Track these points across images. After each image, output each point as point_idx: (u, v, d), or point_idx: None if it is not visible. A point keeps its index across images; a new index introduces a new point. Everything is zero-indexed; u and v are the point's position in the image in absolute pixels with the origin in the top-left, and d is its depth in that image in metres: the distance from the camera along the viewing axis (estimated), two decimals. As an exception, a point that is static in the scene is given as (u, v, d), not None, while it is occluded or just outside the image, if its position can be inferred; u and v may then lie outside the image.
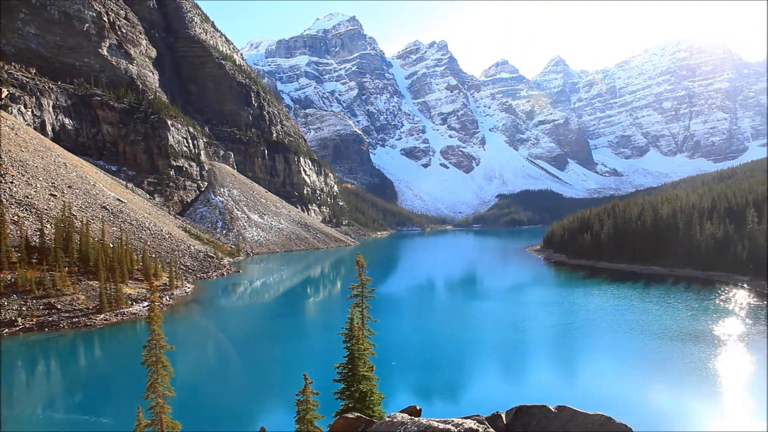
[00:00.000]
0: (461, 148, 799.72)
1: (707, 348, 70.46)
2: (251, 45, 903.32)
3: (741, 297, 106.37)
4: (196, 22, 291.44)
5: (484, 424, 21.62)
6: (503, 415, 25.14)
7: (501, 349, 75.88)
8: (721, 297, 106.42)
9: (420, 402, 51.59)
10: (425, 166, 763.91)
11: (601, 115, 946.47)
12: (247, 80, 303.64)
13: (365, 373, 29.82)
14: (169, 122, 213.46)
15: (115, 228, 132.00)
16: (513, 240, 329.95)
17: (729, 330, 79.15)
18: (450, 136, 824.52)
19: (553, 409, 24.19)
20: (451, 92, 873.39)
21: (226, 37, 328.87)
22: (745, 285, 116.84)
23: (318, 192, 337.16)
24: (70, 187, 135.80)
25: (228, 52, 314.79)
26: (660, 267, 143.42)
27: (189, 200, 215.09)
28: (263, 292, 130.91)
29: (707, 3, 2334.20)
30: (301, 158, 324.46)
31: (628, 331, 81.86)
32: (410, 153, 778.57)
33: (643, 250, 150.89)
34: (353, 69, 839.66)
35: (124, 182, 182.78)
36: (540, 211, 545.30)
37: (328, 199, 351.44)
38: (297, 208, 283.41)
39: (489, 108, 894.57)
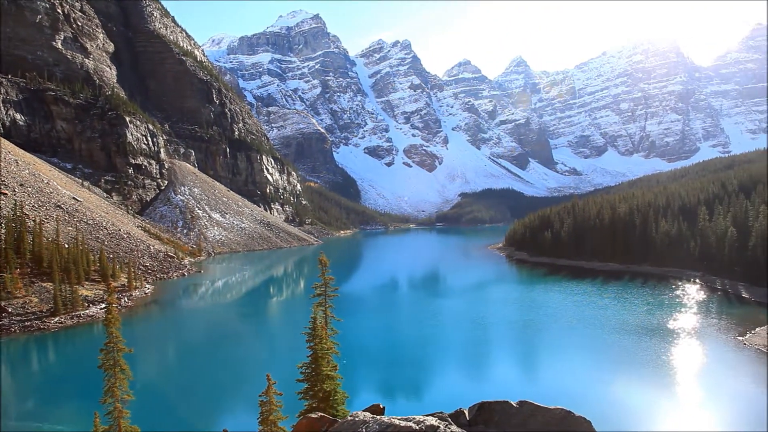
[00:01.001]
0: (424, 147, 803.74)
1: (662, 341, 72.80)
2: (213, 41, 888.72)
3: (693, 292, 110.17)
4: (155, 17, 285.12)
5: (446, 420, 21.86)
6: (466, 412, 25.47)
7: (464, 346, 76.76)
8: (675, 292, 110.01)
9: (384, 400, 51.81)
10: (388, 165, 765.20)
11: (561, 115, 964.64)
12: (209, 77, 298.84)
13: (329, 373, 29.80)
14: (128, 119, 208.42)
15: (70, 228, 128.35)
16: (475, 238, 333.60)
17: (682, 324, 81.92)
18: (413, 135, 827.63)
19: (514, 404, 24.64)
20: (415, 91, 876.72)
21: (186, 33, 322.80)
22: (697, 280, 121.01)
23: (281, 191, 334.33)
24: (21, 185, 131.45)
25: (189, 48, 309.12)
26: (618, 264, 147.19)
27: (148, 199, 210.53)
28: (225, 292, 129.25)
29: (660, 7, 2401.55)
30: (264, 157, 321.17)
31: (587, 327, 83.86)
32: (373, 152, 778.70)
33: (602, 248, 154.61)
34: (317, 67, 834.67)
35: (80, 180, 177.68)
36: (502, 209, 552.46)
37: (291, 198, 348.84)
38: (259, 207, 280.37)
39: (452, 107, 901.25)
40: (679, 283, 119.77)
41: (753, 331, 74.41)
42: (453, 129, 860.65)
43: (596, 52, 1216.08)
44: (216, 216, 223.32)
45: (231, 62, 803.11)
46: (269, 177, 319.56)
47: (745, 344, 69.25)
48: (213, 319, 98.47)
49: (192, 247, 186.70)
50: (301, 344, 30.89)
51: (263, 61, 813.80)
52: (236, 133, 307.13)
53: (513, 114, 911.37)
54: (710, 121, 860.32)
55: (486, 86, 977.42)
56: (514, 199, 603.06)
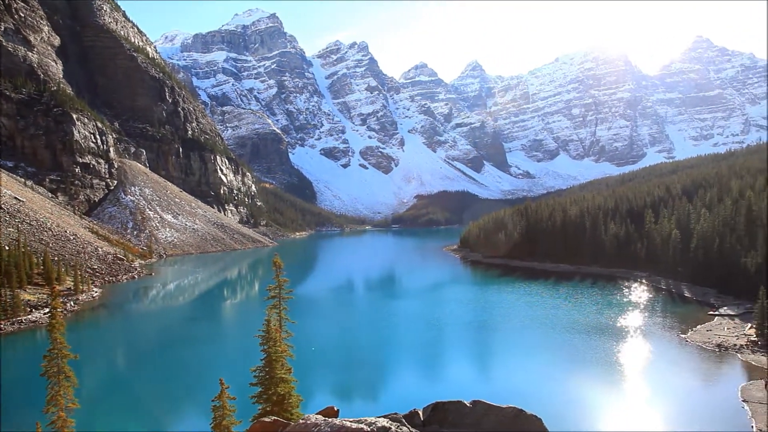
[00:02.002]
0: (380, 149, 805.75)
1: (611, 340, 75.06)
2: (166, 38, 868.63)
3: (640, 292, 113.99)
4: (105, 11, 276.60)
5: (398, 422, 21.96)
6: (420, 412, 25.66)
7: (419, 347, 77.29)
8: (623, 292, 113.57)
9: (340, 402, 51.64)
10: (345, 166, 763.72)
11: (515, 119, 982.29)
12: (161, 74, 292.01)
13: (283, 376, 29.53)
14: (75, 116, 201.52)
15: (11, 229, 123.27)
16: (431, 240, 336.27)
17: (629, 322, 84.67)
18: (369, 137, 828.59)
19: (468, 404, 24.99)
20: (371, 93, 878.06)
21: (138, 28, 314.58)
22: (643, 280, 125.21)
23: (235, 192, 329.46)
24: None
25: (140, 44, 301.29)
26: (569, 265, 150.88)
27: (97, 199, 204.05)
28: (177, 296, 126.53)
29: (609, 15, 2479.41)
30: (218, 157, 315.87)
31: (539, 326, 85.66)
32: (330, 153, 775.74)
33: (554, 249, 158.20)
34: (273, 67, 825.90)
35: (23, 179, 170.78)
36: (457, 211, 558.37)
37: (246, 199, 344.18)
38: (213, 208, 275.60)
39: (408, 110, 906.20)
40: (627, 284, 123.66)
41: (694, 329, 77.55)
42: (409, 131, 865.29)
43: (549, 58, 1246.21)
44: (168, 217, 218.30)
45: (185, 60, 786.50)
46: (223, 178, 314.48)
47: (687, 341, 72.06)
48: (164, 323, 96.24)
49: (143, 249, 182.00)
50: (255, 347, 30.51)
51: (218, 59, 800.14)
52: (189, 132, 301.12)
53: (468, 117, 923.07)
54: (656, 128, 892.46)
55: (442, 89, 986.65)
56: (468, 201, 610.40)
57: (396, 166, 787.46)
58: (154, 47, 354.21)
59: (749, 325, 75.73)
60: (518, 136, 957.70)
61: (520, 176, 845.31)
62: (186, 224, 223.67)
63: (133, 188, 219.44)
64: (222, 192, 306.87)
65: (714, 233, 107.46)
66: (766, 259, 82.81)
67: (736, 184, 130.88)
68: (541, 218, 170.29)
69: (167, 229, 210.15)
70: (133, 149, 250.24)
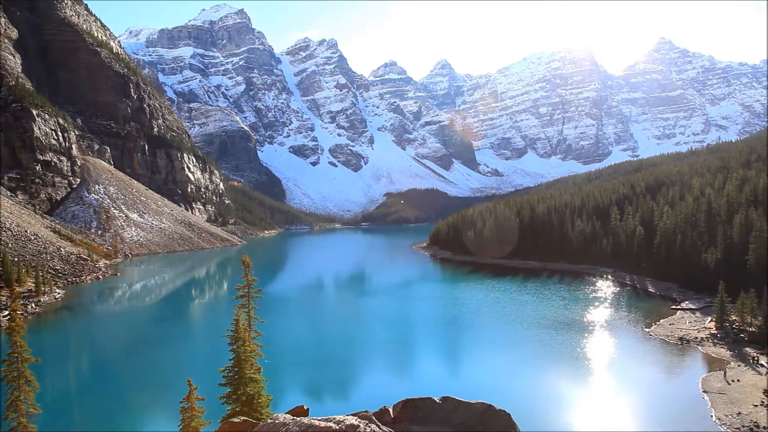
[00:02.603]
0: (350, 147, 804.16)
1: (578, 334, 76.45)
2: (130, 33, 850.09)
3: (605, 287, 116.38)
4: (66, 4, 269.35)
5: (367, 419, 22.01)
6: (390, 409, 25.78)
7: (389, 344, 77.49)
8: (590, 288, 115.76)
9: (310, 401, 51.49)
10: (314, 164, 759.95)
11: (483, 117, 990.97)
12: (126, 70, 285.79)
13: (252, 375, 29.27)
14: (35, 112, 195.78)
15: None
16: (400, 238, 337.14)
17: (596, 317, 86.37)
18: (339, 135, 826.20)
19: (437, 400, 25.25)
20: (341, 91, 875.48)
21: (101, 22, 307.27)
22: (609, 276, 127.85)
23: (203, 190, 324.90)
24: None
25: (104, 38, 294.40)
26: (537, 261, 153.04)
27: (59, 198, 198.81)
28: (144, 296, 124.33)
29: (575, 14, 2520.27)
30: (185, 154, 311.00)
31: (508, 322, 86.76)
32: (299, 151, 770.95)
33: (522, 246, 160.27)
34: (241, 63, 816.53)
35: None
36: (426, 209, 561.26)
37: (214, 198, 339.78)
38: (180, 206, 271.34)
39: (377, 108, 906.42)
40: (593, 279, 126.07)
41: (657, 323, 79.57)
42: (379, 129, 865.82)
43: (517, 57, 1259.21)
44: (134, 216, 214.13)
45: (150, 55, 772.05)
46: (190, 176, 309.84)
47: (651, 335, 73.88)
48: (131, 324, 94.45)
49: (107, 248, 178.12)
50: (224, 347, 30.15)
51: (185, 55, 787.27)
52: (155, 129, 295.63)
53: (438, 116, 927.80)
54: (621, 127, 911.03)
55: (411, 87, 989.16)
56: (438, 199, 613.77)
57: (365, 164, 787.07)
58: (118, 42, 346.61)
59: (709, 318, 77.98)
60: (487, 134, 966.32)
61: (489, 174, 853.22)
62: (152, 223, 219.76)
63: (97, 186, 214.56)
64: (189, 190, 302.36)
65: (676, 230, 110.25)
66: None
67: (697, 182, 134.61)
68: (510, 215, 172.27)
69: (133, 228, 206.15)
70: (96, 146, 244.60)
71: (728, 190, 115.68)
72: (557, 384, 58.43)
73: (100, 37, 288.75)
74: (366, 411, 25.27)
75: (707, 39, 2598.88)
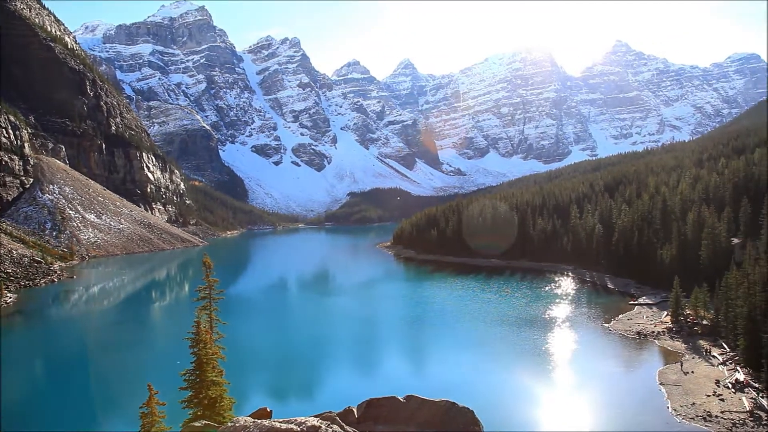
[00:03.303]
0: (313, 146, 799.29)
1: (540, 331, 77.77)
2: (86, 28, 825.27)
3: (566, 284, 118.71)
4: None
5: (330, 420, 21.91)
6: (354, 410, 25.71)
7: (354, 344, 77.45)
8: (551, 285, 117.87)
9: (275, 402, 51.03)
10: (277, 163, 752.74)
11: (446, 117, 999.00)
12: (82, 66, 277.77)
13: (214, 378, 28.80)
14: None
15: None
16: (364, 237, 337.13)
17: (557, 314, 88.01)
18: (302, 134, 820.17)
19: (401, 399, 25.30)
20: (303, 90, 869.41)
21: (55, 17, 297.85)
22: (569, 273, 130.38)
23: (163, 190, 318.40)
24: None
25: (58, 33, 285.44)
26: (499, 260, 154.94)
27: (10, 198, 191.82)
28: (102, 299, 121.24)
29: (536, 15, 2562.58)
30: (144, 154, 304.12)
31: (471, 320, 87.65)
32: (261, 150, 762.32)
33: (484, 244, 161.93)
34: (202, 61, 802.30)
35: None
36: (390, 208, 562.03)
37: (174, 198, 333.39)
38: (140, 207, 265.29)
39: (341, 107, 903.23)
40: (554, 277, 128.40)
41: (616, 318, 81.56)
42: (342, 128, 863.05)
43: (479, 57, 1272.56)
44: (91, 217, 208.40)
45: (107, 52, 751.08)
46: (150, 175, 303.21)
47: (610, 330, 75.69)
48: (88, 328, 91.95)
49: (63, 250, 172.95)
50: (185, 350, 29.58)
51: (144, 52, 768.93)
52: (113, 128, 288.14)
53: (401, 115, 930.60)
54: (580, 127, 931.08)
55: (374, 87, 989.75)
56: (402, 198, 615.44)
57: (329, 163, 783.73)
58: (74, 38, 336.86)
59: (665, 313, 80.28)
60: (449, 134, 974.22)
61: (452, 173, 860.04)
62: (110, 224, 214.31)
63: (51, 186, 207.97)
64: (149, 190, 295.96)
65: (633, 227, 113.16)
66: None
67: (653, 181, 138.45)
68: (473, 214, 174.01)
69: (90, 230, 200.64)
70: (51, 145, 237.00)
71: (682, 188, 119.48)
72: (520, 380, 59.35)
73: (54, 32, 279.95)
74: (330, 412, 25.14)
75: (661, 42, 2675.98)
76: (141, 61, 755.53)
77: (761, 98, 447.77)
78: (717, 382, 53.03)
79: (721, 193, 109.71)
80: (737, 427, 43.90)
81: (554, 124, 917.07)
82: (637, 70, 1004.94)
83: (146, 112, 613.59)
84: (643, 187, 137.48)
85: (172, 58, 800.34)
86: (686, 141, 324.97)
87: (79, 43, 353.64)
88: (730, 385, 51.84)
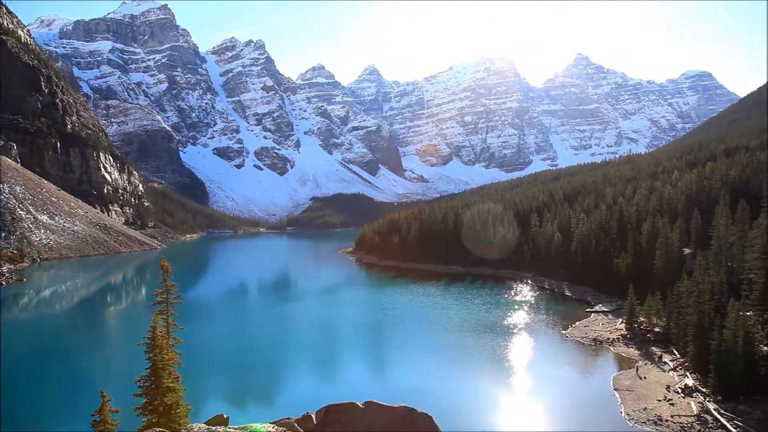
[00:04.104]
0: (276, 150, 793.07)
1: (499, 337, 78.64)
2: (42, 22, 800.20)
3: (525, 291, 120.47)
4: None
5: (287, 426, 21.73)
6: (313, 416, 25.51)
7: (314, 350, 76.92)
8: (510, 292, 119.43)
9: (233, 409, 50.22)
10: (239, 166, 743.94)
11: (410, 124, 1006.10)
12: (36, 62, 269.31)
13: (170, 384, 28.13)
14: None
15: None
16: (326, 242, 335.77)
17: (516, 320, 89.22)
18: (265, 138, 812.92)
19: (360, 405, 25.22)
20: (267, 93, 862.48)
21: (7, 9, 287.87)
22: (529, 281, 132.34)
23: (120, 191, 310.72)
24: None
25: (11, 26, 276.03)
26: (460, 266, 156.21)
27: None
28: (53, 303, 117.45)
29: (501, 25, 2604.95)
30: (101, 154, 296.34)
31: (431, 326, 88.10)
32: (223, 153, 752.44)
33: (446, 251, 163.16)
34: (163, 61, 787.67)
35: None
36: (352, 214, 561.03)
37: (132, 199, 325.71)
38: (96, 208, 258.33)
39: (304, 111, 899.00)
40: (514, 284, 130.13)
41: (573, 325, 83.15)
42: (305, 133, 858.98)
43: (444, 66, 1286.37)
44: (43, 218, 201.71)
45: (64, 48, 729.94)
46: (107, 176, 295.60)
47: (567, 337, 77.11)
48: (38, 332, 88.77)
49: (12, 252, 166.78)
50: (140, 356, 28.83)
51: (103, 49, 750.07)
52: (69, 126, 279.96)
53: (365, 121, 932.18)
54: (541, 137, 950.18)
55: (339, 92, 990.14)
56: (364, 204, 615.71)
57: (291, 167, 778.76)
58: (28, 31, 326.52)
59: (620, 320, 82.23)
60: (413, 140, 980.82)
61: (415, 180, 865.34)
62: (64, 225, 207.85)
63: (1, 186, 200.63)
64: (105, 191, 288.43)
65: (591, 236, 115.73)
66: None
67: (610, 191, 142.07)
68: (435, 221, 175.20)
69: (42, 231, 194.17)
70: (1, 142, 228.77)
71: (638, 199, 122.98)
72: (479, 385, 59.88)
73: (6, 24, 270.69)
74: (288, 418, 24.92)
75: (620, 56, 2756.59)
76: (100, 58, 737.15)
77: (713, 114, 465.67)
78: (668, 387, 54.58)
79: (675, 204, 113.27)
80: (685, 430, 45.30)
81: (516, 134, 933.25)
82: (596, 83, 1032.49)
83: (104, 111, 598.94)
84: (601, 198, 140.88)
85: (133, 57, 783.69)
86: (642, 153, 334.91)
87: (33, 38, 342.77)
88: (679, 390, 53.43)
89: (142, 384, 27.98)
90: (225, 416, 27.28)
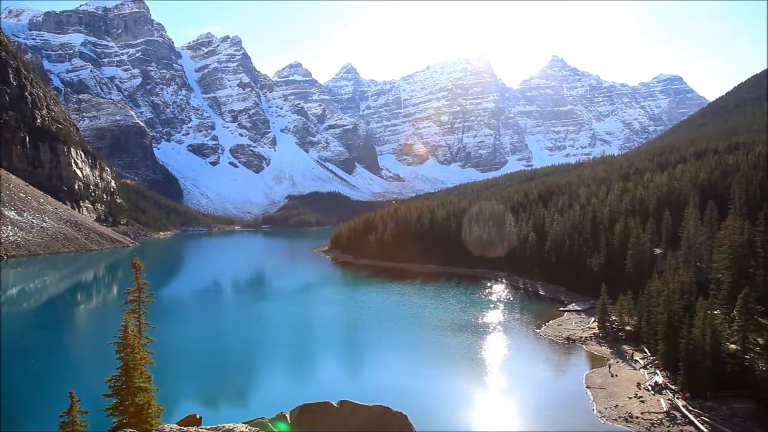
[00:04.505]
0: (252, 148, 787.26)
1: (474, 336, 79.16)
2: (10, 12, 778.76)
3: (500, 290, 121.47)
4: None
5: (261, 426, 21.56)
6: (287, 415, 25.33)
7: (290, 349, 76.50)
8: (485, 291, 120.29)
9: (206, 409, 49.71)
10: (214, 164, 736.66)
11: (387, 123, 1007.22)
12: (4, 53, 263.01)
13: (142, 384, 27.68)
14: None
15: None
16: (301, 241, 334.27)
17: (490, 319, 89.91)
18: (240, 135, 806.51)
19: (335, 404, 25.12)
20: (243, 90, 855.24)
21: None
22: (503, 280, 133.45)
23: (92, 187, 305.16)
24: None
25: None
26: (436, 265, 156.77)
27: None
28: (21, 302, 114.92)
29: (478, 26, 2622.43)
30: (73, 149, 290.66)
31: (407, 325, 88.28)
32: (198, 150, 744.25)
33: (422, 250, 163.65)
34: (137, 55, 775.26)
35: None
36: (328, 212, 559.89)
37: (104, 196, 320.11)
38: (66, 204, 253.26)
39: (281, 109, 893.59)
40: (489, 283, 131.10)
41: (547, 324, 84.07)
42: (282, 130, 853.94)
43: (421, 66, 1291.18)
44: (10, 214, 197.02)
45: (34, 39, 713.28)
46: (78, 172, 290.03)
47: (541, 335, 77.94)
48: (4, 332, 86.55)
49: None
50: (111, 355, 28.31)
51: (74, 42, 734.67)
52: (39, 120, 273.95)
53: (341, 119, 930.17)
54: (517, 137, 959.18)
55: (316, 90, 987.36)
56: (340, 202, 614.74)
57: (267, 165, 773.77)
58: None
59: (593, 319, 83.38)
60: (390, 139, 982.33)
61: (391, 179, 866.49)
62: (33, 222, 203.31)
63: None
64: (77, 187, 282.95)
65: (565, 236, 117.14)
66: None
67: (584, 192, 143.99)
68: (411, 220, 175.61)
69: (9, 227, 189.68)
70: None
71: (610, 200, 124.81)
72: (454, 384, 60.15)
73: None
74: (262, 417, 24.69)
75: (595, 59, 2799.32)
76: (71, 51, 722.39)
77: (683, 117, 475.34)
78: (638, 384, 55.51)
79: (646, 205, 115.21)
80: (655, 427, 46.13)
81: (492, 134, 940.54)
82: (571, 85, 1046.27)
83: (76, 106, 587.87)
84: (575, 198, 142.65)
85: (106, 50, 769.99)
86: (615, 155, 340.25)
87: (1, 28, 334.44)
88: (650, 388, 54.38)
89: (113, 384, 27.48)
90: (198, 416, 26.92)
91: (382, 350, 74.92)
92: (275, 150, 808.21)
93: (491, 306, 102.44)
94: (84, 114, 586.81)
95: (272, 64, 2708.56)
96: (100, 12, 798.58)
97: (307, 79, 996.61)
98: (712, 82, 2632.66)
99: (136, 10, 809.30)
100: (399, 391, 55.01)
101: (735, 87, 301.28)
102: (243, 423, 21.38)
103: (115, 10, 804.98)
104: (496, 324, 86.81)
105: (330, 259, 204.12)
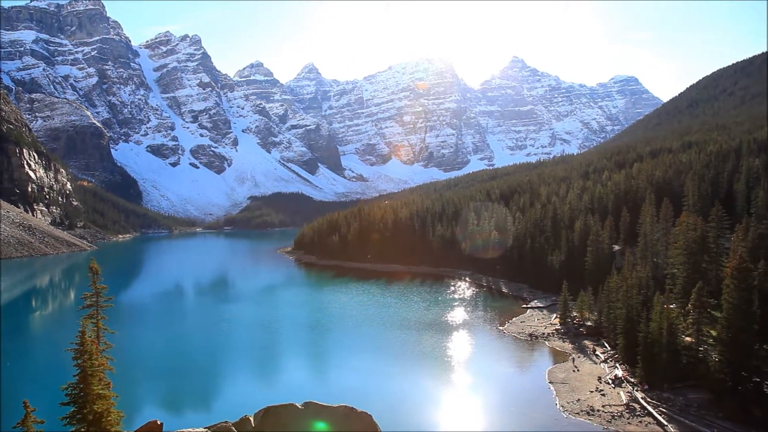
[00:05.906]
0: (213, 148, 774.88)
1: (438, 334, 79.78)
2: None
3: (464, 288, 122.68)
4: None
5: (222, 430, 21.30)
6: (251, 418, 25.02)
7: (253, 351, 75.76)
8: (449, 289, 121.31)
9: (168, 414, 48.71)
10: (174, 165, 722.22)
11: (349, 123, 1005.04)
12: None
13: (100, 391, 26.90)
14: None
15: None
16: (264, 242, 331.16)
17: (455, 317, 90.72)
18: (201, 135, 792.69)
19: (299, 406, 24.94)
20: (204, 89, 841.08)
21: None
22: (467, 278, 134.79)
23: (46, 190, 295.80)
24: None
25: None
26: (400, 265, 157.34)
27: None
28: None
29: (439, 26, 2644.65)
30: (25, 150, 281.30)
31: (371, 324, 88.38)
32: (157, 150, 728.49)
33: (385, 250, 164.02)
34: (93, 53, 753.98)
35: None
36: (291, 213, 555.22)
37: (60, 199, 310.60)
38: (18, 207, 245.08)
39: (242, 109, 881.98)
40: (453, 282, 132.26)
41: (510, 321, 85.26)
42: (243, 131, 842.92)
43: (383, 66, 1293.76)
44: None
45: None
46: (32, 174, 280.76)
47: (504, 333, 78.97)
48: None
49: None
50: (68, 362, 27.46)
51: (26, 39, 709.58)
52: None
53: (304, 119, 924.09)
54: (479, 137, 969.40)
55: (278, 90, 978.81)
56: (303, 203, 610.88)
57: (229, 166, 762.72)
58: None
59: (555, 315, 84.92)
60: (352, 139, 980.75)
61: (354, 179, 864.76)
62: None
63: None
64: (30, 190, 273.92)
65: (526, 234, 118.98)
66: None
67: (545, 191, 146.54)
68: (374, 220, 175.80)
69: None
70: None
71: (570, 198, 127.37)
72: (418, 383, 60.43)
73: None
74: (225, 422, 24.36)
75: (553, 60, 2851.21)
76: (22, 48, 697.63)
77: (639, 117, 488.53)
78: (599, 378, 56.80)
79: (605, 203, 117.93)
80: (615, 419, 47.36)
81: (454, 134, 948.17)
82: (531, 86, 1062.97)
83: (28, 105, 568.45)
84: (536, 197, 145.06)
85: (59, 48, 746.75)
86: (575, 154, 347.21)
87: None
88: (610, 381, 55.72)
89: (70, 392, 26.63)
90: (159, 422, 26.39)
91: (347, 351, 74.79)
92: (237, 151, 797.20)
93: (455, 304, 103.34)
94: (37, 114, 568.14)
95: (233, 63, 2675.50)
96: (52, 8, 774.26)
97: (268, 78, 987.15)
98: (666, 83, 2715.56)
99: (91, 7, 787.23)
100: (364, 392, 55.04)
101: (687, 88, 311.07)
102: (205, 428, 21.08)
103: (69, 7, 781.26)
104: (460, 322, 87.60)
105: (294, 260, 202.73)
